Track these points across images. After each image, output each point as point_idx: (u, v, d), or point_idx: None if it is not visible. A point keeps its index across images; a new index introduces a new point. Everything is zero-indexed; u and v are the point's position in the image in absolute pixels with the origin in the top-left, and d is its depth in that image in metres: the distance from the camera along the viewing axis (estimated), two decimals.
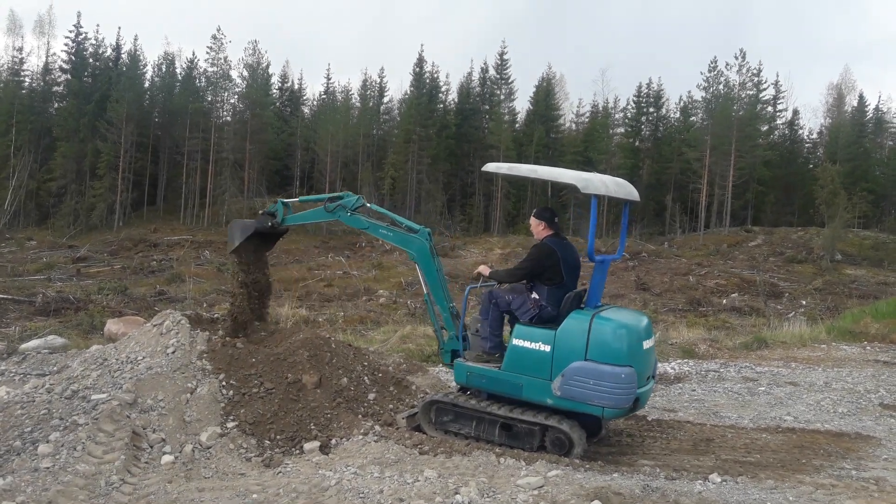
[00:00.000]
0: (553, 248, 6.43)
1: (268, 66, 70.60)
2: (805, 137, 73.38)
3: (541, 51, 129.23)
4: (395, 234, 7.24)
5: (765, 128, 65.03)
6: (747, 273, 33.63)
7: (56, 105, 65.71)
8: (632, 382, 5.89)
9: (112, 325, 12.14)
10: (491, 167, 6.99)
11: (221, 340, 7.23)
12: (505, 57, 68.47)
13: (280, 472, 5.65)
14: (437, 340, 7.22)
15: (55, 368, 7.84)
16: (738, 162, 57.55)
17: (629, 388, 5.88)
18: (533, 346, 6.13)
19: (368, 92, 72.62)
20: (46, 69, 66.19)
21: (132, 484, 5.29)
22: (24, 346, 10.64)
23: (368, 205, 7.56)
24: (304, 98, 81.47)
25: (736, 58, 61.84)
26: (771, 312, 21.14)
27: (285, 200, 7.78)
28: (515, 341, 6.22)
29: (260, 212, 7.88)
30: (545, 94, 69.10)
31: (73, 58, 64.20)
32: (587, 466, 5.71)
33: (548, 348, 6.07)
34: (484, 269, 6.84)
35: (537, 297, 6.34)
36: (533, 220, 6.77)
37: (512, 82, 69.34)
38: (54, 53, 66.98)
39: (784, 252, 42.54)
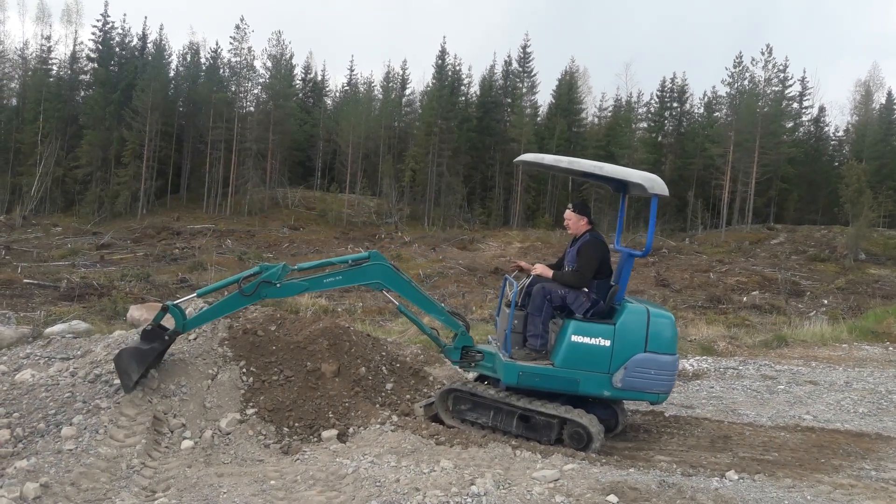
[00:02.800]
0: (604, 242, 6.53)
1: (291, 57, 70.80)
2: (831, 135, 72.47)
3: (564, 44, 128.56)
4: (344, 275, 6.54)
5: (790, 124, 64.11)
6: (769, 271, 33.29)
7: (83, 93, 66.42)
8: (677, 368, 6.50)
9: (135, 311, 12.23)
10: (548, 159, 6.63)
11: (242, 328, 7.29)
12: (528, 50, 68.24)
13: (298, 459, 5.70)
14: (436, 344, 7.12)
15: (79, 353, 7.92)
16: (762, 159, 56.79)
17: (676, 373, 6.47)
18: (592, 341, 6.19)
19: (391, 84, 72.79)
20: (74, 58, 66.96)
21: (153, 467, 5.37)
22: (48, 330, 10.75)
23: (295, 267, 6.62)
24: (327, 89, 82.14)
25: (762, 53, 60.98)
26: (792, 311, 20.92)
27: (176, 303, 6.32)
28: (574, 338, 6.20)
29: (147, 327, 6.38)
30: (568, 88, 68.77)
31: (100, 47, 64.74)
32: (603, 461, 5.71)
33: (608, 343, 6.16)
34: (543, 271, 6.50)
35: (587, 290, 6.39)
36: (573, 215, 6.65)
37: (535, 75, 69.11)
38: (81, 42, 67.98)
39: (807, 250, 42.03)
